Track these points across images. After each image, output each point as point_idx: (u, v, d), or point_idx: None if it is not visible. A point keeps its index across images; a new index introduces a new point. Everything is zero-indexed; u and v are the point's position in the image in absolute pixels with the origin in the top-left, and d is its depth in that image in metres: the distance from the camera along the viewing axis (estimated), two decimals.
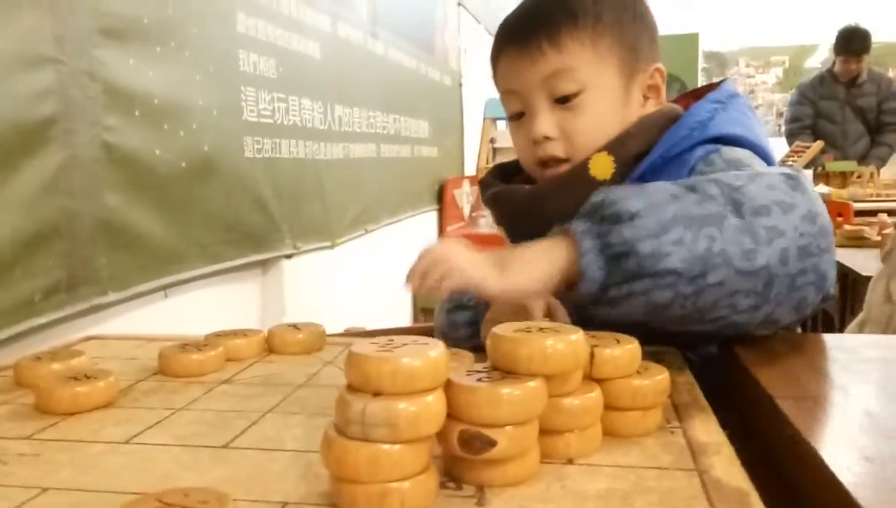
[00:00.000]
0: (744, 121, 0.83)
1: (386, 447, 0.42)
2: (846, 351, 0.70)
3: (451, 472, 0.48)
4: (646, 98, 0.86)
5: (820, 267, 0.64)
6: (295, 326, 0.88)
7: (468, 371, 0.49)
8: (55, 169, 1.08)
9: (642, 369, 0.58)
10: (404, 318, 3.08)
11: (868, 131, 4.29)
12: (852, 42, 4.11)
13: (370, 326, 1.64)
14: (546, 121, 0.82)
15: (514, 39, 0.84)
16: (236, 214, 1.62)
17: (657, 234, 0.61)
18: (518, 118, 0.86)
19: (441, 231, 3.61)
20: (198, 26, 1.46)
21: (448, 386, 0.46)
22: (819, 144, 3.92)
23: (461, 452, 0.46)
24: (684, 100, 0.91)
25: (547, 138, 0.82)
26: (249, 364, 0.81)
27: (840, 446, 0.47)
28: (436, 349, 0.45)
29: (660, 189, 0.65)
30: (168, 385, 0.74)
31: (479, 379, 0.47)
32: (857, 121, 4.26)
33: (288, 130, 1.89)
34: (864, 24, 4.19)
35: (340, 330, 1.38)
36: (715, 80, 0.94)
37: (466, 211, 3.86)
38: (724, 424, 0.55)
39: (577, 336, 0.49)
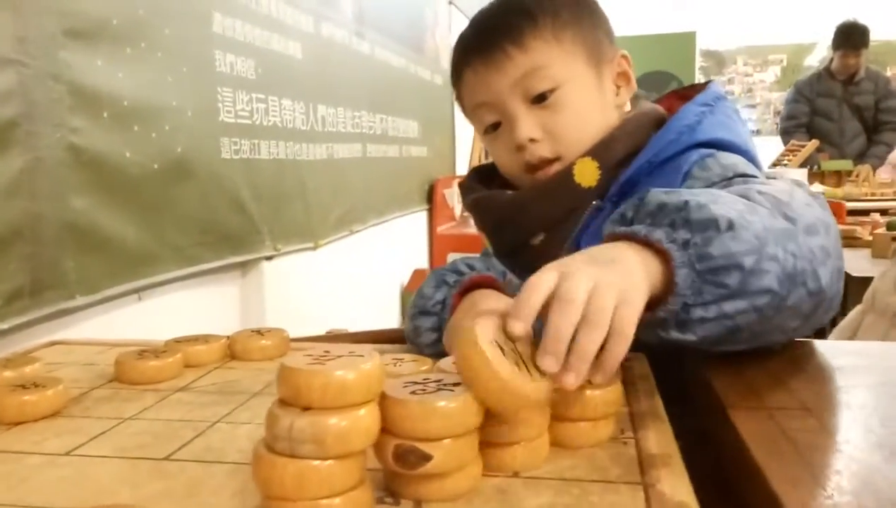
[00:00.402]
0: (730, 125, 0.82)
1: (315, 463, 0.41)
2: (813, 359, 0.68)
3: (390, 486, 0.47)
4: (618, 86, 0.86)
5: (841, 290, 0.63)
6: (258, 331, 0.86)
7: (406, 382, 0.47)
8: (17, 172, 1.06)
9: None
10: (392, 320, 3.06)
11: (865, 130, 4.27)
12: (851, 36, 4.10)
13: (354, 328, 1.62)
14: (527, 123, 0.80)
15: (475, 51, 0.82)
16: (213, 216, 1.60)
17: (758, 248, 0.53)
18: (494, 130, 0.84)
19: (431, 231, 3.60)
20: (170, 27, 1.44)
21: (382, 399, 0.44)
22: (814, 144, 3.91)
23: (396, 467, 0.45)
24: (667, 100, 0.90)
25: (532, 141, 0.80)
26: (209, 370, 0.79)
27: (789, 464, 0.46)
28: (370, 361, 0.43)
29: (728, 196, 0.57)
30: (122, 393, 0.72)
31: (414, 391, 0.45)
32: (853, 119, 4.24)
33: (268, 131, 1.87)
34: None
35: (322, 334, 1.36)
36: (703, 79, 0.93)
37: (457, 211, 3.84)
38: (687, 431, 0.54)
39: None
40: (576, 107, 0.80)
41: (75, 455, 0.56)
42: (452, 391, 0.46)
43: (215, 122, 1.62)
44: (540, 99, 0.80)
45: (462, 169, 4.19)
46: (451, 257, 3.45)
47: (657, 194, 0.57)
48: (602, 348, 0.48)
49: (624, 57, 0.86)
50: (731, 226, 0.53)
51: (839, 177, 3.83)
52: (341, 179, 2.39)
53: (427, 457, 0.44)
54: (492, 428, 0.48)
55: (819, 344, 0.70)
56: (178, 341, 0.83)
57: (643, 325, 0.51)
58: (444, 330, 0.77)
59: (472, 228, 3.61)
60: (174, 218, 1.46)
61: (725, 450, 0.54)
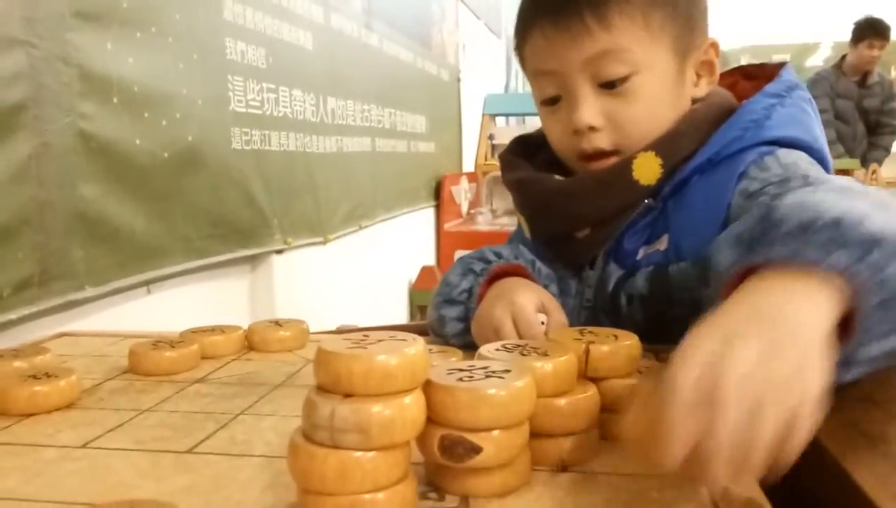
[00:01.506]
0: (802, 118, 0.75)
1: (357, 454, 0.38)
2: None
3: (433, 481, 0.44)
4: (698, 76, 0.77)
5: None
6: (277, 323, 0.83)
7: (450, 369, 0.44)
8: (25, 157, 1.03)
9: (643, 368, 0.53)
10: (401, 316, 3.04)
11: (868, 132, 4.23)
12: (878, 25, 4.02)
13: (363, 324, 1.59)
14: (591, 109, 0.72)
15: (549, 12, 0.73)
16: (223, 208, 1.57)
17: None
18: (552, 103, 0.76)
19: (438, 228, 3.57)
20: (181, 12, 1.41)
21: (427, 387, 0.41)
22: None
23: (443, 459, 0.42)
24: (731, 77, 0.84)
25: (592, 129, 0.73)
26: (226, 362, 0.77)
27: (868, 457, 0.42)
28: (414, 346, 0.40)
29: (850, 200, 0.48)
30: (137, 384, 0.70)
31: (461, 379, 0.42)
32: (860, 122, 4.20)
33: (278, 122, 1.84)
34: None
35: (332, 329, 1.34)
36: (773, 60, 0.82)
37: (465, 207, 3.81)
38: None
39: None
40: (648, 98, 0.72)
41: (91, 447, 0.54)
42: (503, 378, 0.42)
43: (226, 111, 1.58)
44: (610, 84, 0.72)
45: (468, 165, 4.16)
46: (459, 254, 3.42)
47: (788, 210, 0.47)
48: None
49: (713, 45, 0.77)
50: (890, 242, 0.44)
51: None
52: (350, 173, 2.36)
53: (477, 449, 0.41)
54: (539, 419, 0.45)
55: None
56: (194, 331, 0.81)
57: None
58: (472, 320, 0.72)
59: (479, 225, 3.59)
60: (184, 209, 1.43)
61: None
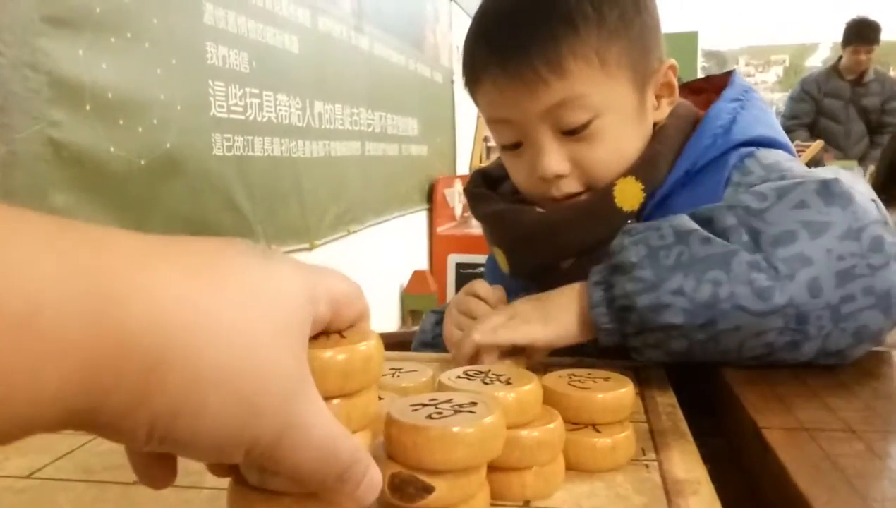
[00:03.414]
0: (764, 117, 0.74)
1: (287, 500, 0.35)
2: (850, 370, 0.62)
3: None
4: (658, 97, 0.75)
5: (875, 288, 0.54)
6: None
7: (413, 404, 0.41)
8: None
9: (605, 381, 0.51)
10: (391, 322, 3.01)
11: (869, 132, 4.21)
12: (863, 30, 4.03)
13: None
14: (556, 157, 0.70)
15: (499, 62, 0.69)
16: (204, 215, 1.55)
17: (654, 286, 0.56)
18: (514, 148, 0.74)
19: (431, 231, 3.54)
20: (158, 17, 1.38)
21: (387, 424, 0.39)
22: (819, 144, 3.85)
23: (393, 499, 0.39)
24: (681, 94, 0.82)
25: (559, 176, 0.71)
26: None
27: (841, 495, 0.40)
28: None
29: (674, 227, 0.59)
30: None
31: (430, 416, 0.39)
32: (859, 121, 4.18)
33: (262, 127, 1.81)
34: None
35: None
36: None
37: (458, 211, 3.79)
38: (714, 451, 0.48)
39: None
40: (612, 138, 0.70)
41: (36, 477, 0.51)
42: (472, 414, 0.40)
43: (206, 117, 1.56)
44: (573, 131, 0.69)
45: (463, 168, 4.14)
46: (452, 258, 3.41)
47: (620, 234, 0.62)
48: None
49: (672, 67, 0.75)
50: (631, 267, 0.57)
51: None
52: (339, 178, 2.33)
53: (428, 489, 0.38)
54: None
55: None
56: None
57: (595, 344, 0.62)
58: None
59: (473, 229, 3.57)
60: (163, 216, 1.40)
61: (760, 476, 0.48)
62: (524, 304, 0.64)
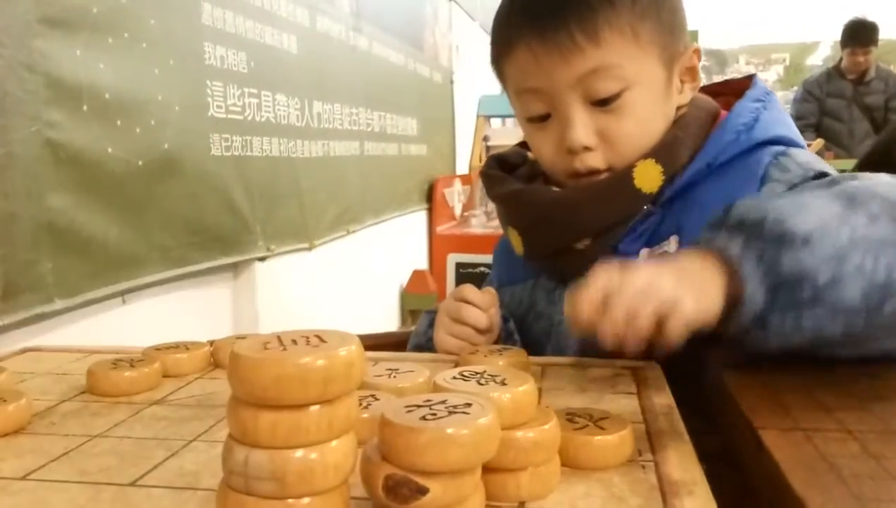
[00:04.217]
0: (785, 119, 0.76)
1: (290, 501, 0.35)
2: (844, 369, 0.62)
3: None
4: (682, 82, 0.76)
5: None
6: (243, 338, 0.80)
7: (408, 405, 0.41)
8: None
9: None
10: (392, 323, 3.01)
11: (875, 130, 4.19)
12: (860, 32, 4.03)
13: (352, 331, 1.57)
14: (584, 129, 0.70)
15: (536, 28, 0.70)
16: (203, 215, 1.54)
17: (837, 261, 0.52)
18: (541, 120, 0.74)
19: (431, 231, 3.54)
20: (156, 17, 1.38)
21: (381, 426, 0.39)
22: (819, 143, 3.85)
23: (387, 501, 0.39)
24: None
25: (586, 148, 0.71)
26: (189, 381, 0.74)
27: (836, 497, 0.40)
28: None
29: (821, 203, 0.55)
30: (93, 406, 0.67)
31: (425, 417, 0.39)
32: (864, 120, 4.17)
33: (260, 127, 1.81)
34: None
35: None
36: (705, 78, 0.85)
37: (458, 210, 3.79)
38: (710, 451, 0.48)
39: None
40: (640, 113, 0.71)
41: (32, 479, 0.51)
42: (467, 413, 0.40)
43: (204, 118, 1.56)
44: (602, 102, 0.70)
45: (462, 168, 4.14)
46: (451, 258, 3.40)
47: (740, 208, 0.57)
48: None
49: (696, 51, 0.76)
50: (806, 239, 0.52)
51: None
52: (338, 178, 2.33)
53: (423, 490, 0.38)
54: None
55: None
56: (157, 349, 0.77)
57: (727, 331, 0.55)
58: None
59: (473, 228, 3.57)
60: (161, 217, 1.40)
61: (756, 476, 0.48)
62: (662, 274, 0.54)
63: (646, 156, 0.72)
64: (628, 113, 0.71)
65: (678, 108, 0.76)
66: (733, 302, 0.54)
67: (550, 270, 0.81)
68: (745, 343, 0.56)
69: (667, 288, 0.52)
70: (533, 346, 0.77)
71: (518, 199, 0.78)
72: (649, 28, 0.70)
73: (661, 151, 0.72)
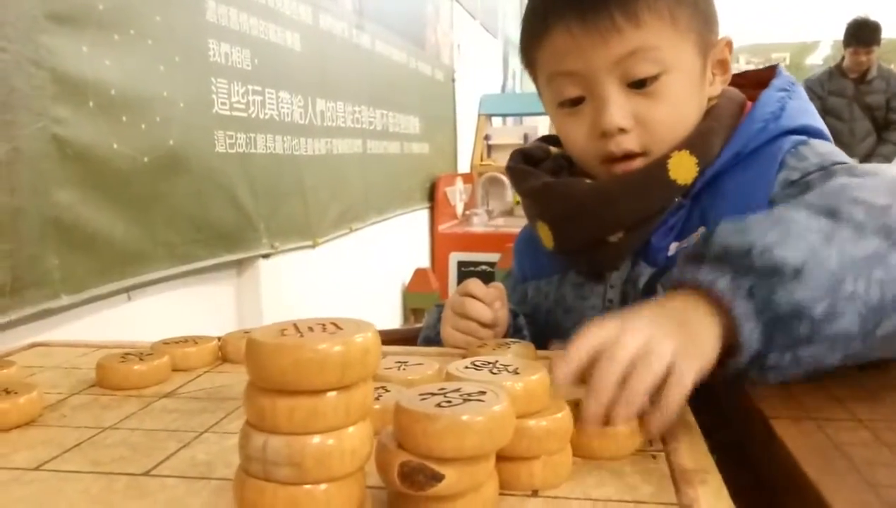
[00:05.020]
0: (809, 109, 0.76)
1: (307, 487, 0.36)
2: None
3: None
4: (713, 74, 0.77)
5: None
6: (250, 332, 0.80)
7: (422, 393, 0.41)
8: None
9: None
10: (394, 320, 3.01)
11: (876, 129, 4.19)
12: (862, 32, 4.02)
13: None
14: (620, 110, 0.70)
15: (576, 10, 0.70)
16: (207, 212, 1.54)
17: (831, 291, 0.49)
18: (573, 105, 0.74)
19: (433, 229, 3.54)
20: (161, 14, 1.38)
21: (397, 413, 0.39)
22: None
23: (402, 488, 0.39)
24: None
25: (621, 130, 0.71)
26: (198, 375, 0.74)
27: (849, 483, 0.40)
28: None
29: (800, 223, 0.52)
30: (103, 399, 0.67)
31: (440, 404, 0.39)
32: (865, 119, 4.16)
33: (264, 124, 1.81)
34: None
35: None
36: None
37: (459, 209, 3.79)
38: (721, 443, 0.49)
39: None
40: (676, 98, 0.71)
41: (45, 469, 0.51)
42: (480, 402, 0.40)
43: (209, 114, 1.56)
44: (639, 84, 0.70)
45: (464, 166, 4.14)
46: (453, 256, 3.40)
47: (722, 235, 0.54)
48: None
49: (728, 44, 0.77)
50: (797, 271, 0.49)
51: None
52: (340, 176, 2.33)
53: (438, 477, 0.38)
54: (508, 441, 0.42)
55: None
56: (165, 343, 0.78)
57: (723, 373, 0.52)
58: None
59: (474, 227, 3.57)
60: (166, 213, 1.40)
61: (768, 465, 0.48)
62: (663, 334, 0.49)
63: (680, 147, 0.72)
64: (664, 97, 0.71)
65: (709, 100, 0.76)
66: (728, 343, 0.51)
67: (581, 264, 0.80)
68: (747, 378, 0.53)
69: (666, 354, 0.47)
70: (565, 340, 0.78)
71: (551, 192, 0.77)
72: (687, 14, 0.71)
73: (696, 142, 0.72)
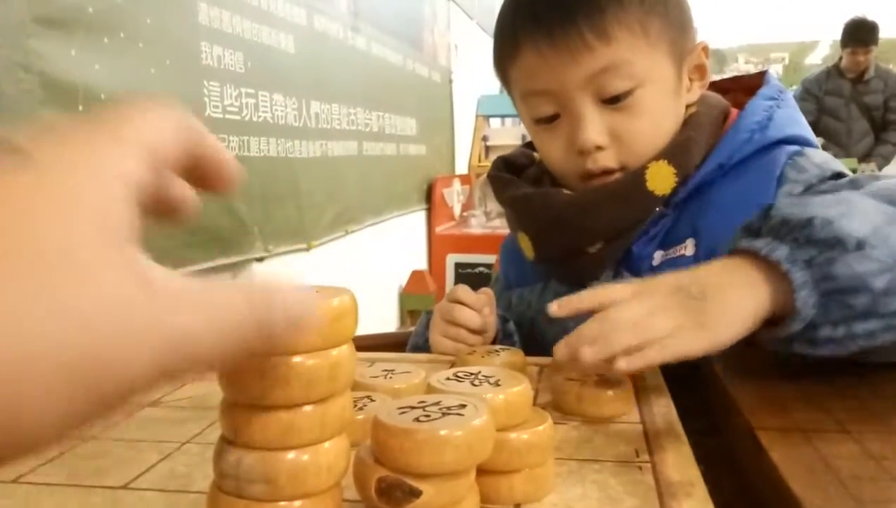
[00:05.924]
0: (798, 117, 0.75)
1: (282, 504, 0.35)
2: (843, 371, 0.61)
3: None
4: (690, 80, 0.75)
5: None
6: None
7: (401, 407, 0.40)
8: None
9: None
10: (390, 323, 3.00)
11: (873, 129, 4.19)
12: (859, 32, 4.02)
13: None
14: (596, 128, 0.69)
15: (543, 28, 0.69)
16: (200, 215, 1.53)
17: (892, 266, 0.49)
18: (548, 122, 0.73)
19: (430, 231, 3.54)
20: (152, 16, 1.38)
21: (374, 427, 0.38)
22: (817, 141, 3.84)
23: (380, 503, 0.38)
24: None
25: (598, 148, 0.70)
26: (184, 382, 0.73)
27: (834, 498, 0.39)
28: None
29: (863, 202, 0.52)
30: None
31: (418, 418, 0.39)
32: (862, 119, 4.16)
33: (258, 127, 1.81)
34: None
35: None
36: (716, 77, 0.84)
37: (457, 210, 3.79)
38: (708, 452, 0.48)
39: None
40: (652, 111, 0.70)
41: (23, 482, 0.50)
42: (460, 417, 0.39)
43: (201, 118, 1.52)
44: (614, 99, 0.69)
45: (461, 168, 4.13)
46: (451, 258, 3.40)
47: (783, 208, 0.53)
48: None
49: (704, 49, 0.75)
50: (860, 244, 0.49)
51: None
52: (336, 178, 2.33)
53: (416, 492, 0.37)
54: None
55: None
56: None
57: (770, 341, 0.52)
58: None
59: (472, 229, 3.56)
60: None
61: (754, 477, 0.47)
62: (665, 299, 0.51)
63: (658, 157, 0.71)
64: (640, 111, 0.70)
65: (687, 107, 0.75)
66: (777, 312, 0.50)
67: (561, 274, 0.80)
68: (793, 350, 0.53)
69: (661, 330, 0.48)
70: (547, 350, 0.78)
71: (529, 203, 0.77)
72: (658, 24, 0.70)
73: (675, 152, 0.71)
